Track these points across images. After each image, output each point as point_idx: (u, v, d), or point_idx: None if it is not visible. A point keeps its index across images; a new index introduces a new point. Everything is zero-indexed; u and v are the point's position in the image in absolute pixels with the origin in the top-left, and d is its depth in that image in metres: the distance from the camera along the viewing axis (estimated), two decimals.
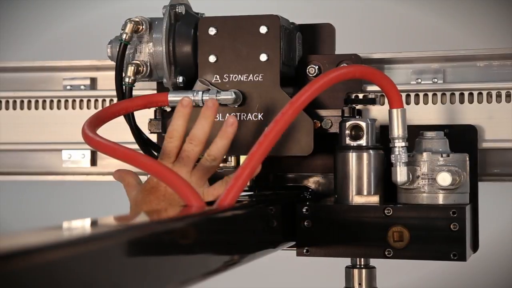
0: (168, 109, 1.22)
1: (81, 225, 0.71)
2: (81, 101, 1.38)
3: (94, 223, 0.72)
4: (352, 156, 1.10)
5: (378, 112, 1.22)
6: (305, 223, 1.08)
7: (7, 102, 1.41)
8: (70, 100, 1.39)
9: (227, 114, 1.16)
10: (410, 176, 1.07)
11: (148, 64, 1.18)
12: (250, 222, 0.98)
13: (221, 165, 1.21)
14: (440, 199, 1.06)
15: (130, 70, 1.17)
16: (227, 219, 0.91)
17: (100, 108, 1.36)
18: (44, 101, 1.40)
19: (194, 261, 0.82)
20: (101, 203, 2.39)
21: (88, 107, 1.38)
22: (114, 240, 0.66)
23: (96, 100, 1.37)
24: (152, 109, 1.23)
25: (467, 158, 1.09)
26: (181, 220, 0.81)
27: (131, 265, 0.68)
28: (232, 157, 1.20)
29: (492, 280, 2.28)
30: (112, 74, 1.18)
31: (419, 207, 1.06)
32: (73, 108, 1.38)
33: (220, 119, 1.16)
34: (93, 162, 1.38)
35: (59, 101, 1.39)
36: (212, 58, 1.16)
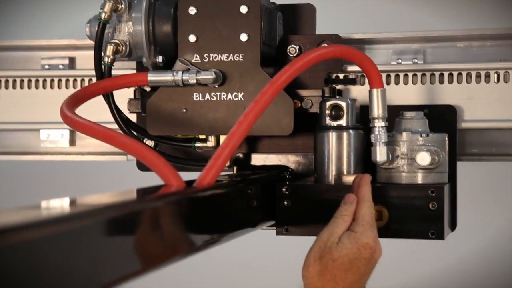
0: (148, 89, 1.21)
1: (59, 205, 0.70)
2: (60, 80, 1.37)
3: (72, 202, 0.72)
4: (332, 136, 1.10)
5: (359, 92, 1.22)
6: (285, 202, 1.08)
7: None
8: (48, 80, 1.37)
9: (207, 94, 1.16)
10: (390, 156, 1.07)
11: (128, 43, 1.17)
12: (230, 201, 0.98)
13: (200, 145, 1.21)
14: (419, 178, 1.07)
15: (109, 49, 1.16)
16: (206, 198, 0.91)
17: (78, 87, 1.35)
18: (22, 81, 1.38)
19: (174, 240, 0.82)
20: (80, 183, 2.38)
21: (66, 87, 1.36)
22: (93, 219, 0.65)
23: (75, 80, 1.36)
24: (132, 89, 1.22)
25: (446, 138, 1.09)
26: (160, 199, 0.81)
27: (110, 244, 0.68)
28: (212, 137, 1.20)
29: (474, 266, 2.30)
30: (91, 53, 1.17)
31: (398, 186, 1.06)
32: (52, 87, 1.37)
33: (200, 99, 1.16)
34: (72, 142, 1.37)
35: (37, 80, 1.38)
36: (192, 38, 1.15)
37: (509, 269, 2.24)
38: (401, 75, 1.23)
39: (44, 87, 1.37)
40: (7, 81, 1.39)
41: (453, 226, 1.14)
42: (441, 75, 1.21)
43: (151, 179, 0.96)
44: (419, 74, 1.22)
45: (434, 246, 2.25)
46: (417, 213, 1.03)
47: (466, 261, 2.29)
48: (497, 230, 2.28)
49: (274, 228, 1.09)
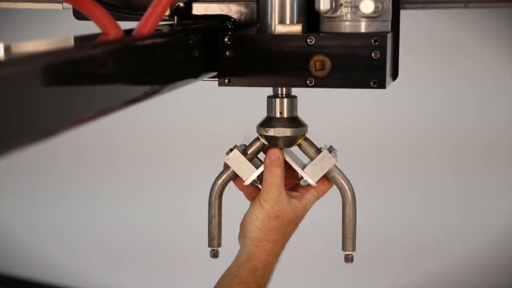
0: None
1: None
2: None
3: (7, 49, 0.69)
4: None
5: None
6: (227, 52, 1.06)
7: None
8: None
9: None
10: (333, 4, 1.05)
11: None
12: (171, 51, 0.96)
13: None
14: (362, 27, 1.06)
15: None
16: (146, 47, 0.89)
17: None
18: None
19: (113, 90, 0.80)
20: (13, 32, 2.31)
21: None
22: (28, 66, 0.63)
23: None
24: None
25: None
26: (98, 47, 0.78)
27: (47, 93, 0.66)
28: None
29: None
30: None
31: (341, 35, 1.05)
32: None
33: None
34: None
35: None
36: None
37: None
38: None
39: None
40: None
41: (394, 75, 1.14)
42: None
43: (88, 29, 0.92)
44: None
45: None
46: (360, 62, 1.03)
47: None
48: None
49: (216, 79, 1.08)
